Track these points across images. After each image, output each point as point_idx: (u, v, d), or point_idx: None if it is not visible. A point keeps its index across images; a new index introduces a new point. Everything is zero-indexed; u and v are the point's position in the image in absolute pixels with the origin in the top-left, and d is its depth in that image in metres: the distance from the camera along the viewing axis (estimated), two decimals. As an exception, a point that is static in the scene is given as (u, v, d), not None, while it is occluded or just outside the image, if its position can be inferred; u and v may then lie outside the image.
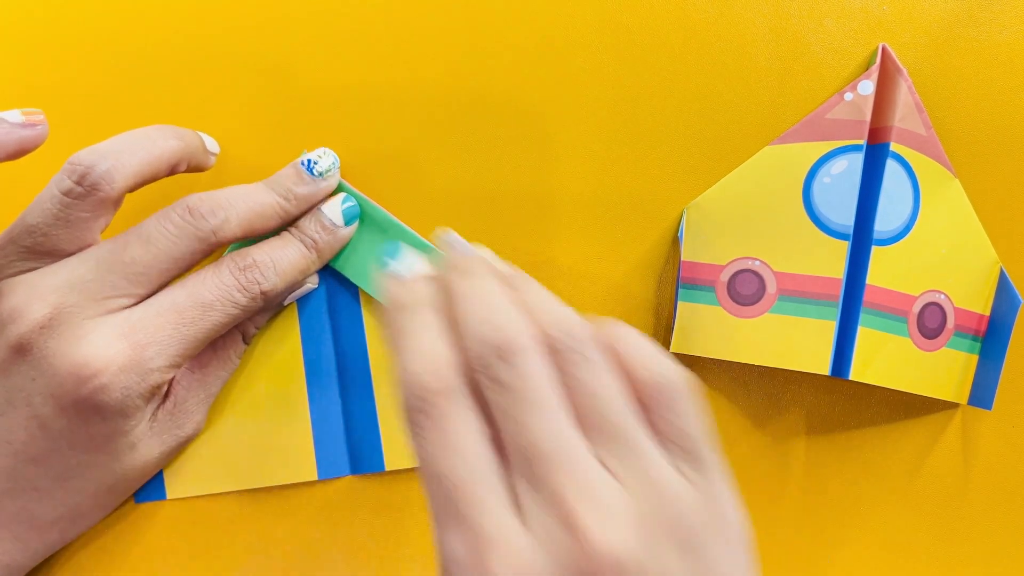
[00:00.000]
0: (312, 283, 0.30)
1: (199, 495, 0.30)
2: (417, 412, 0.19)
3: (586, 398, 0.19)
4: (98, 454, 0.26)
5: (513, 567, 0.17)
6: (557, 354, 0.20)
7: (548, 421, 0.19)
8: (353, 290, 0.30)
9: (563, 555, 0.17)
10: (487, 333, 0.20)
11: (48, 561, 0.30)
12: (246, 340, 0.30)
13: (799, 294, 0.30)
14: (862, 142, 0.30)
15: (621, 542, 0.17)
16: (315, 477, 0.30)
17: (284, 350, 0.30)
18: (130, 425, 0.26)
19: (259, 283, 0.27)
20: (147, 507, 0.30)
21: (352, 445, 0.31)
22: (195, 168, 0.29)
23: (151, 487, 0.30)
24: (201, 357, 0.29)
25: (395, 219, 0.29)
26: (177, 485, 0.30)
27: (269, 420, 0.30)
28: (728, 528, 0.20)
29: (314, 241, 0.28)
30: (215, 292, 0.26)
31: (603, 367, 0.20)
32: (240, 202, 0.27)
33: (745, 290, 0.31)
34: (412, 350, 0.20)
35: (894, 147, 0.30)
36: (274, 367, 0.30)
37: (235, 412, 0.30)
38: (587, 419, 0.19)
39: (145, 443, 0.28)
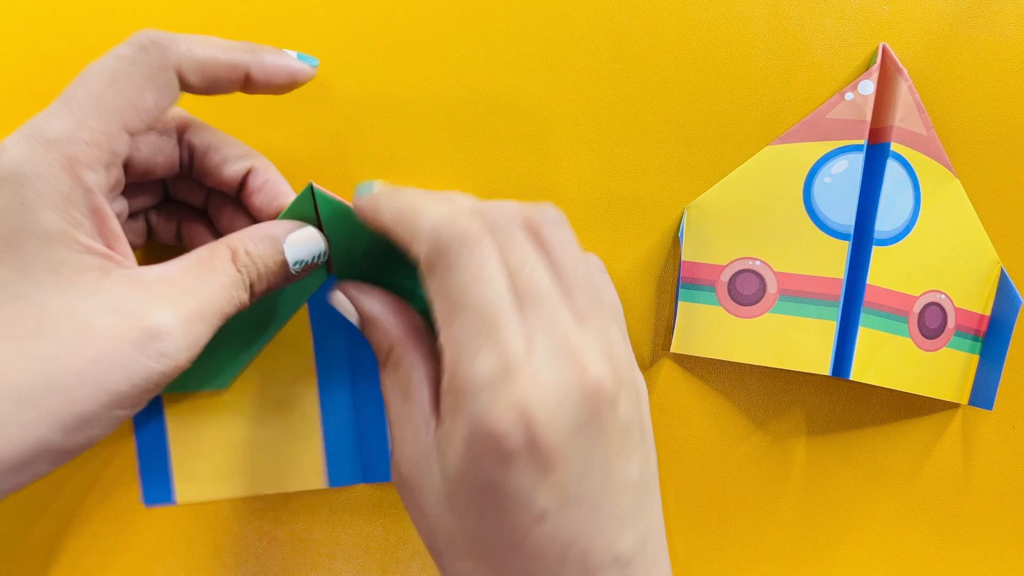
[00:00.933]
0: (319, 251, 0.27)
1: (208, 500, 0.30)
2: (459, 245, 0.22)
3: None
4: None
5: (537, 387, 0.20)
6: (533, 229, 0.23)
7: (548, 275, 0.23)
8: None
9: (570, 381, 0.21)
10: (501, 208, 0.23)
11: (47, 561, 0.30)
12: (239, 267, 0.25)
13: (800, 294, 0.30)
14: (863, 142, 0.30)
15: (607, 374, 0.22)
16: (325, 485, 0.30)
17: (296, 356, 0.30)
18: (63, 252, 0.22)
19: None
20: (143, 506, 0.30)
21: (364, 454, 0.30)
22: (273, 85, 0.26)
23: (159, 490, 0.30)
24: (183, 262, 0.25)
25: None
26: (187, 490, 0.30)
27: (280, 427, 0.30)
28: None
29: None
30: None
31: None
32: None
33: (745, 290, 0.30)
34: (435, 203, 0.23)
35: (895, 147, 0.30)
36: (286, 373, 0.30)
37: (246, 418, 0.30)
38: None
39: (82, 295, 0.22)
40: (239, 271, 0.25)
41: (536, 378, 0.21)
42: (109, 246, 0.23)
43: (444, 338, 0.22)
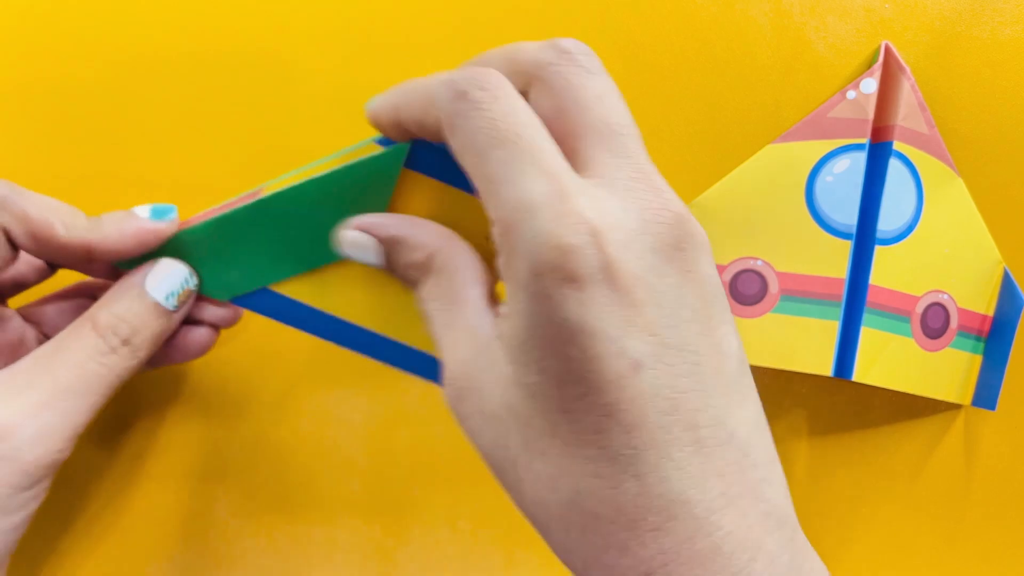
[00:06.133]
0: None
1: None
2: (476, 90, 0.19)
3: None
4: None
5: (606, 208, 0.18)
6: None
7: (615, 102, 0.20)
8: None
9: (648, 209, 0.18)
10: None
11: (46, 561, 0.30)
12: (102, 334, 0.25)
13: (802, 294, 0.30)
14: (865, 141, 0.29)
15: (691, 217, 0.19)
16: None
17: None
18: None
19: None
20: (145, 507, 0.30)
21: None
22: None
23: None
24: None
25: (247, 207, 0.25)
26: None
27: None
28: None
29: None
30: None
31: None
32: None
33: (747, 290, 0.30)
34: (445, 72, 0.20)
35: (897, 146, 0.30)
36: None
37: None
38: None
39: None
40: (104, 337, 0.24)
41: (604, 201, 0.18)
42: None
43: (483, 191, 0.19)
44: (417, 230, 0.23)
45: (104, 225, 0.24)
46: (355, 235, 0.23)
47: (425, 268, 0.22)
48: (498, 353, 0.19)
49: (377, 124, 0.23)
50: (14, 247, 0.23)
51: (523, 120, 0.19)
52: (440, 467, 0.31)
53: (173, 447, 0.31)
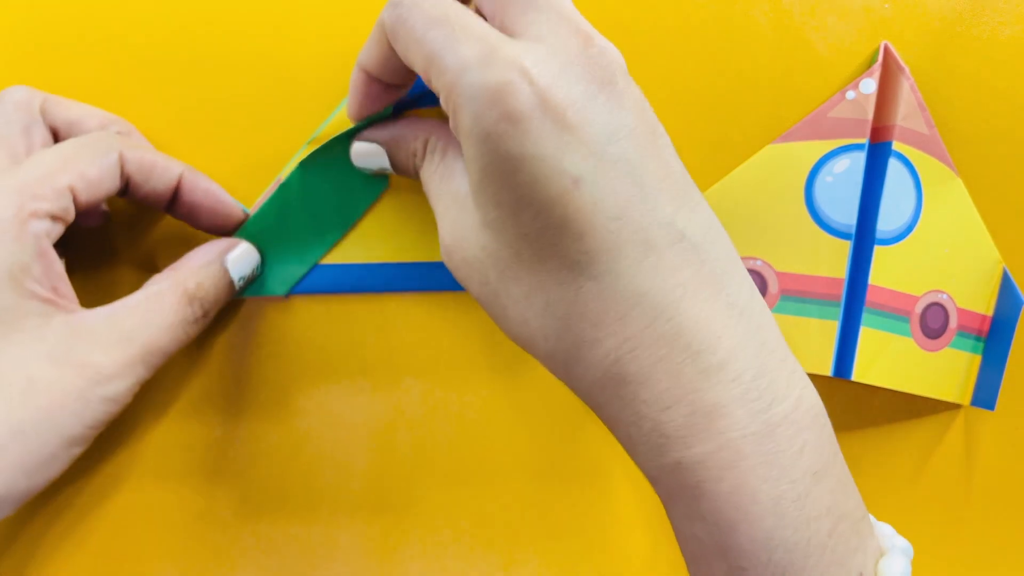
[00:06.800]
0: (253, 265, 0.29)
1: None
2: None
3: None
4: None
5: (533, 52, 0.19)
6: None
7: None
8: None
9: (572, 47, 0.20)
10: None
11: (44, 561, 0.30)
12: (191, 301, 0.26)
13: (801, 294, 0.30)
14: (864, 141, 0.30)
15: (614, 48, 0.21)
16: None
17: None
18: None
19: None
20: (145, 507, 0.30)
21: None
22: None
23: None
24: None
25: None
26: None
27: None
28: None
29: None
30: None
31: None
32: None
33: (747, 290, 0.30)
34: None
35: (896, 146, 0.30)
36: None
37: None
38: None
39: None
40: (191, 306, 0.26)
41: (531, 48, 0.20)
42: (54, 288, 0.24)
43: (426, 72, 0.21)
44: (411, 124, 0.26)
45: (198, 173, 0.27)
46: (361, 145, 0.27)
47: (422, 149, 0.25)
48: (468, 202, 0.22)
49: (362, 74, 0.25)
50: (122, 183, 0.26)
51: (449, 3, 0.21)
52: (440, 467, 0.31)
53: (173, 447, 0.31)
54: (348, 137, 0.27)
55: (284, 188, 0.28)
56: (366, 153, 0.27)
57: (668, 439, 0.20)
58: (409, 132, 0.26)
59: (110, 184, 0.25)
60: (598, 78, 0.20)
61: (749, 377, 0.20)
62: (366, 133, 0.27)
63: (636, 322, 0.20)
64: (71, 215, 0.25)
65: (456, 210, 0.22)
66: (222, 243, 0.28)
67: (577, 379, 0.21)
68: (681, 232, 0.20)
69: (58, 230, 0.24)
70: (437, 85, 0.21)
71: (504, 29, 0.21)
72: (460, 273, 0.23)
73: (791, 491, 0.19)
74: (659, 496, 0.21)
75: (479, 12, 0.22)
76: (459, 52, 0.20)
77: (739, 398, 0.19)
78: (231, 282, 0.28)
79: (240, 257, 0.28)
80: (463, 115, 0.20)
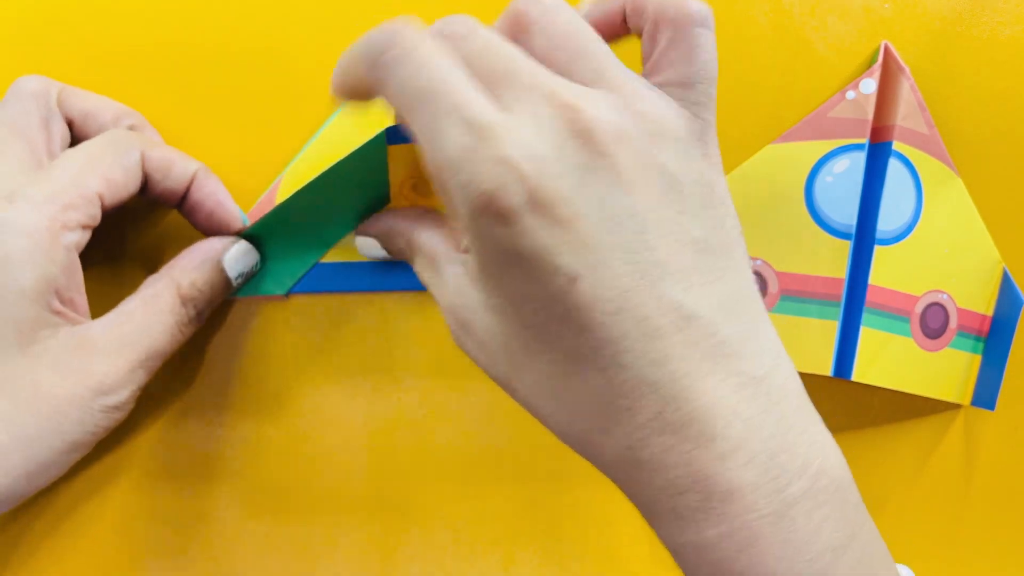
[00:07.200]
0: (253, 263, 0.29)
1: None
2: (391, 46, 0.20)
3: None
4: None
5: (519, 138, 0.19)
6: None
7: (513, 51, 0.20)
8: None
9: (558, 125, 0.19)
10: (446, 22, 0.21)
11: (44, 562, 0.30)
12: (185, 301, 0.27)
13: (801, 294, 0.30)
14: (864, 141, 0.29)
15: (611, 115, 0.19)
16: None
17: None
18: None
19: None
20: (145, 507, 0.30)
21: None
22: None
23: None
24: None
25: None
26: None
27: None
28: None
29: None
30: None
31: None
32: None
33: (747, 290, 0.30)
34: (369, 34, 0.21)
35: (896, 146, 0.30)
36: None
37: None
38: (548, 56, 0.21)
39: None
40: (185, 307, 0.26)
41: (517, 132, 0.19)
42: (71, 299, 0.25)
43: (419, 146, 0.20)
44: (394, 220, 0.27)
45: (212, 175, 0.28)
46: (360, 239, 0.28)
47: (408, 250, 0.26)
48: (469, 286, 0.22)
49: (340, 98, 0.24)
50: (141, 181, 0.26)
51: (438, 69, 0.19)
52: (440, 467, 0.31)
53: (173, 447, 0.31)
54: (346, 167, 0.27)
55: (285, 205, 0.28)
56: (365, 245, 0.28)
57: (684, 521, 0.19)
58: (392, 229, 0.27)
59: (133, 185, 0.26)
60: (588, 156, 0.19)
61: (765, 458, 0.19)
62: (363, 226, 0.28)
63: (644, 412, 0.19)
64: (98, 220, 0.25)
65: (455, 292, 0.22)
66: (218, 241, 0.28)
67: (593, 460, 0.21)
68: (691, 312, 0.19)
69: (86, 238, 0.25)
70: (428, 168, 0.20)
71: (491, 93, 0.20)
72: (471, 353, 0.22)
73: (807, 569, 0.19)
74: (681, 569, 0.21)
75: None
76: (445, 142, 0.19)
77: (754, 481, 0.19)
78: (227, 280, 0.28)
79: (238, 254, 0.28)
80: (458, 211, 0.20)
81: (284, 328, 0.31)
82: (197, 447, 0.31)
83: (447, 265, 0.23)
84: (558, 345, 0.20)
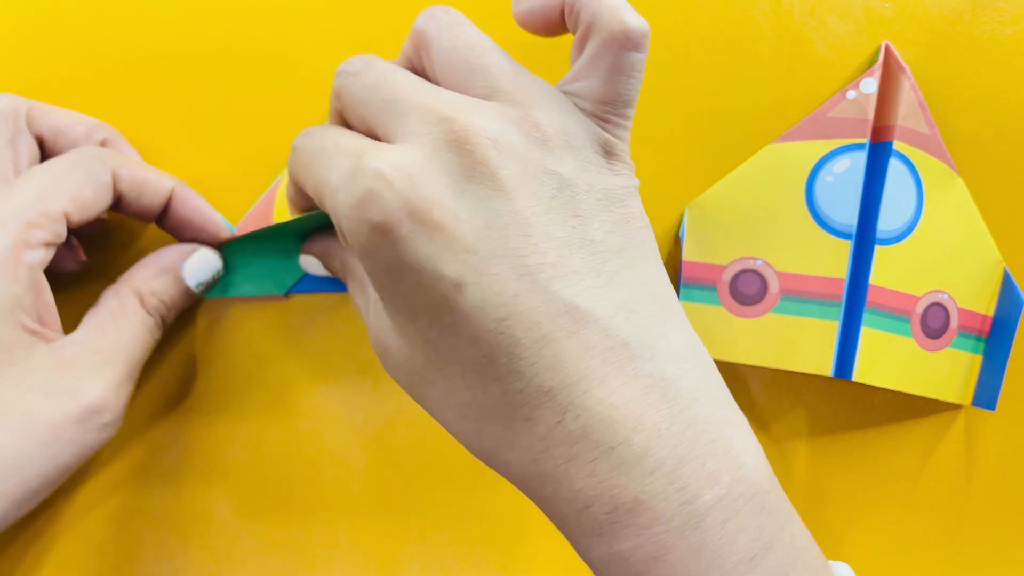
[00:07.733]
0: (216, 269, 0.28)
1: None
2: (300, 139, 0.23)
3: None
4: None
5: (392, 154, 0.19)
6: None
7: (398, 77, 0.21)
8: None
9: (433, 136, 0.19)
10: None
11: (43, 562, 0.29)
12: (150, 311, 0.27)
13: (802, 294, 0.30)
14: (865, 140, 0.29)
15: (491, 123, 0.19)
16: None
17: None
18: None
19: None
20: (145, 507, 0.30)
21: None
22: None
23: None
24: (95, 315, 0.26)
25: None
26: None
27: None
28: None
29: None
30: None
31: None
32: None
33: (747, 290, 0.30)
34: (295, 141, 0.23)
35: (897, 146, 0.30)
36: None
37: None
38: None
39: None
40: (151, 314, 0.26)
41: (391, 149, 0.19)
42: (42, 318, 0.24)
43: (321, 201, 0.22)
44: (332, 240, 0.27)
45: (188, 189, 0.28)
46: (303, 257, 0.29)
47: (343, 271, 0.26)
48: (381, 311, 0.22)
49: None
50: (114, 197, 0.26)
51: (329, 132, 0.21)
52: (440, 467, 0.31)
53: (173, 447, 0.31)
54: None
55: (278, 227, 0.28)
56: (307, 263, 0.29)
57: (594, 535, 0.19)
58: (329, 249, 0.27)
59: (103, 203, 0.25)
60: (464, 163, 0.19)
61: (671, 467, 0.18)
62: (305, 246, 0.29)
63: (544, 422, 0.19)
64: (63, 238, 0.24)
65: (373, 318, 0.22)
66: (176, 250, 0.27)
67: (504, 475, 0.21)
68: (585, 314, 0.19)
69: (51, 255, 0.24)
70: (320, 203, 0.21)
71: (383, 139, 0.21)
72: (392, 373, 0.22)
73: None
74: None
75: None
76: (332, 175, 0.20)
77: (661, 491, 0.18)
78: (187, 289, 0.27)
79: (197, 264, 0.27)
80: (344, 234, 0.20)
81: (284, 328, 0.31)
82: (197, 447, 0.31)
83: (370, 289, 0.23)
84: (455, 358, 0.19)
